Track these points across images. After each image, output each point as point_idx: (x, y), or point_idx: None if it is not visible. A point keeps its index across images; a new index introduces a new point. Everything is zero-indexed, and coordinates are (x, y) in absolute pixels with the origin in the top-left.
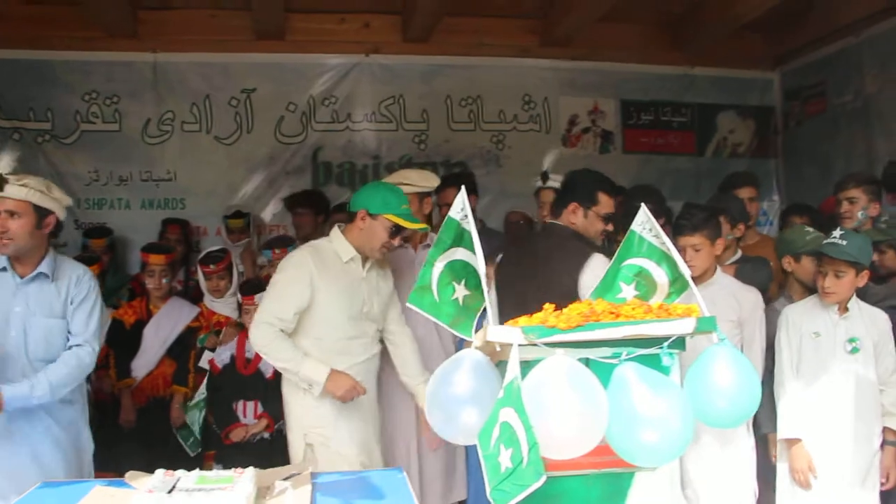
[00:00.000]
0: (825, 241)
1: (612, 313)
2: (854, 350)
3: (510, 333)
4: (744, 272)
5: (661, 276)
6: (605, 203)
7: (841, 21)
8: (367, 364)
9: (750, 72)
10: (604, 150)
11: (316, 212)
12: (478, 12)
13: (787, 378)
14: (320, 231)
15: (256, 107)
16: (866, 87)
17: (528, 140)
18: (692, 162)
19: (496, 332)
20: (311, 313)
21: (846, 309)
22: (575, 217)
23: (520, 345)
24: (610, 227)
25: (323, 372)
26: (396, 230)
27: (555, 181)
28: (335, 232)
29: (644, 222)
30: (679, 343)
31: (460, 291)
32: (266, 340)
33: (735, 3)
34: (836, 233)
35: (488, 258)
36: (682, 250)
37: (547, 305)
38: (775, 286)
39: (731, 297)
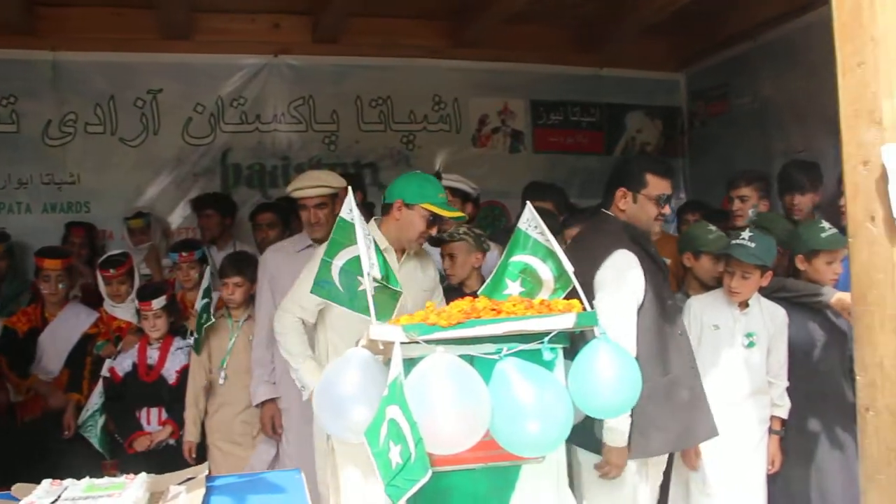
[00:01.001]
0: (734, 243)
1: (493, 310)
2: (750, 344)
3: (392, 332)
4: None
5: (545, 272)
6: (656, 184)
7: (740, 26)
8: None
9: (657, 73)
10: (514, 149)
11: (222, 214)
12: (388, 13)
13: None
14: (228, 233)
15: (163, 108)
16: (763, 90)
17: (438, 140)
18: (601, 161)
19: (378, 330)
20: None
21: (747, 305)
22: (624, 203)
23: (402, 343)
24: (667, 211)
25: (316, 379)
26: (434, 220)
27: (449, 180)
28: (371, 224)
29: (530, 220)
30: (562, 338)
31: (369, 285)
32: (282, 328)
33: (642, 5)
34: (745, 234)
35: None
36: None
37: (429, 303)
38: (674, 282)
39: None
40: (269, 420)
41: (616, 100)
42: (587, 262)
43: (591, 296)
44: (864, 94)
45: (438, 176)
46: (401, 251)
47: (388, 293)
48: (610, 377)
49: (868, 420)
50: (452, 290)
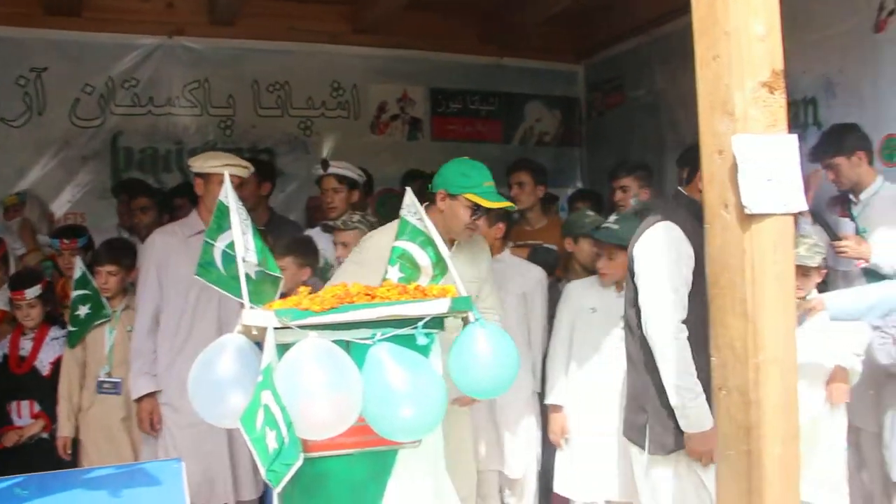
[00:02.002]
0: (602, 226)
1: (367, 295)
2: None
3: (264, 317)
4: (535, 256)
5: (423, 258)
6: None
7: (636, 20)
8: None
9: (557, 64)
10: (412, 137)
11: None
12: None
13: (558, 349)
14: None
15: (49, 87)
16: (657, 83)
17: (336, 126)
18: (500, 150)
19: (251, 315)
20: None
21: (622, 287)
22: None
23: (275, 328)
24: None
25: None
26: (479, 210)
27: (336, 167)
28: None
29: (409, 206)
30: (437, 323)
31: (250, 269)
32: None
33: None
34: (612, 217)
35: None
36: None
37: (302, 288)
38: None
39: (517, 274)
40: (148, 416)
41: (515, 89)
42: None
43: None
44: (718, 87)
45: (325, 163)
46: (451, 241)
47: (268, 279)
48: (485, 359)
49: (721, 399)
50: None
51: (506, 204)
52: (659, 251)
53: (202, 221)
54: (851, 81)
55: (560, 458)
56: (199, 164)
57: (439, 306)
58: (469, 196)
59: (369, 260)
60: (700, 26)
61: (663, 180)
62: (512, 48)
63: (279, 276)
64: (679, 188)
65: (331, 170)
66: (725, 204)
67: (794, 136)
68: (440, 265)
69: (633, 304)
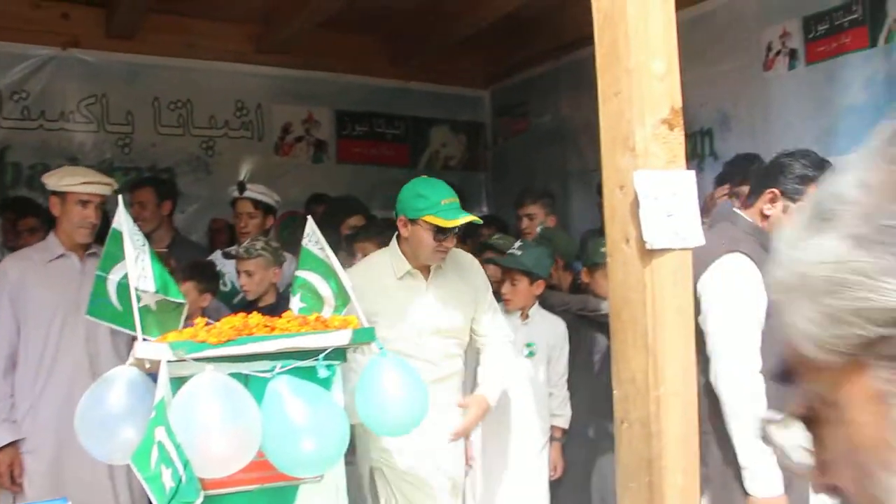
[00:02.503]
0: (508, 253)
1: (266, 326)
2: (530, 354)
3: (158, 349)
4: None
5: (325, 289)
6: None
7: (542, 47)
8: (438, 385)
9: (463, 89)
10: (317, 159)
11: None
12: (191, 13)
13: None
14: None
15: None
16: (562, 110)
17: (239, 147)
18: (405, 174)
19: (143, 348)
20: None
21: (527, 315)
22: (772, 208)
23: (170, 361)
24: None
25: None
26: (441, 231)
27: (253, 192)
28: (392, 243)
29: (310, 235)
30: (338, 354)
31: (148, 298)
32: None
33: (449, 21)
34: (516, 244)
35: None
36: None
37: (198, 319)
38: None
39: None
40: (7, 470)
41: (422, 113)
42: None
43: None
44: (620, 122)
45: (242, 186)
46: (426, 269)
47: (171, 307)
48: (392, 396)
49: (623, 432)
50: (248, 306)
51: (469, 218)
52: (729, 289)
53: (61, 244)
54: (744, 115)
55: (469, 484)
56: (55, 181)
57: (340, 338)
58: (428, 218)
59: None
60: (603, 63)
61: (568, 207)
62: (419, 72)
63: (182, 301)
64: (736, 210)
65: (247, 193)
66: (627, 238)
67: (692, 173)
68: (342, 296)
69: (700, 349)
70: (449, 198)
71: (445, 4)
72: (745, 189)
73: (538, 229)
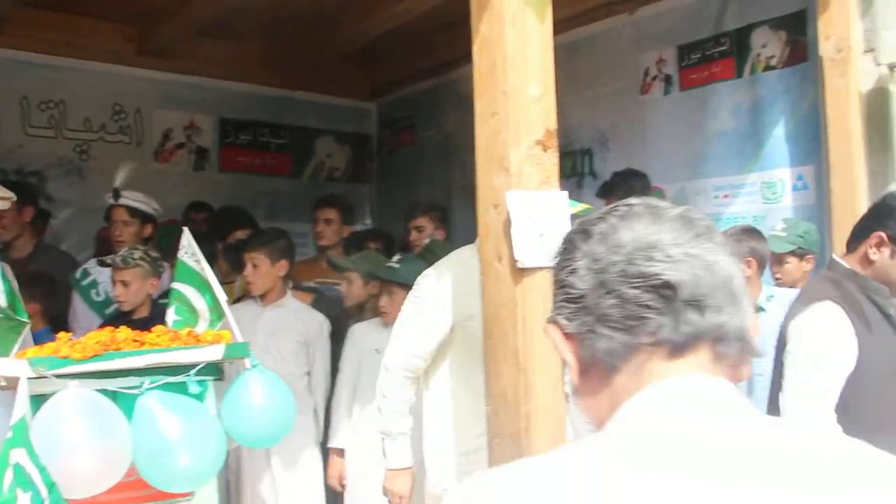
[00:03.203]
0: (386, 265)
1: (135, 341)
2: None
3: (16, 366)
4: (318, 303)
5: (199, 301)
6: None
7: (430, 62)
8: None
9: (349, 100)
10: (198, 167)
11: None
12: (66, 8)
13: (342, 393)
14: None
15: None
16: (447, 124)
17: (116, 152)
18: (289, 184)
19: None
20: (457, 348)
21: None
22: (877, 253)
23: (30, 378)
24: None
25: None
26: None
27: (129, 199)
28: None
29: (186, 247)
30: (211, 370)
31: None
32: (390, 390)
33: (333, 33)
34: (396, 257)
35: None
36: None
37: (62, 334)
38: None
39: (297, 320)
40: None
41: (307, 123)
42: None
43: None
44: (496, 143)
45: (117, 193)
46: None
47: (11, 324)
48: (260, 408)
49: (494, 447)
50: (121, 317)
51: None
52: (813, 338)
53: None
54: (622, 136)
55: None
56: None
57: (213, 353)
58: None
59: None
60: (481, 85)
61: (451, 221)
62: (305, 82)
63: (24, 321)
64: (834, 257)
65: (122, 200)
66: (499, 257)
67: (565, 193)
68: (217, 310)
69: (780, 387)
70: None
71: (328, 16)
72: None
73: (426, 241)
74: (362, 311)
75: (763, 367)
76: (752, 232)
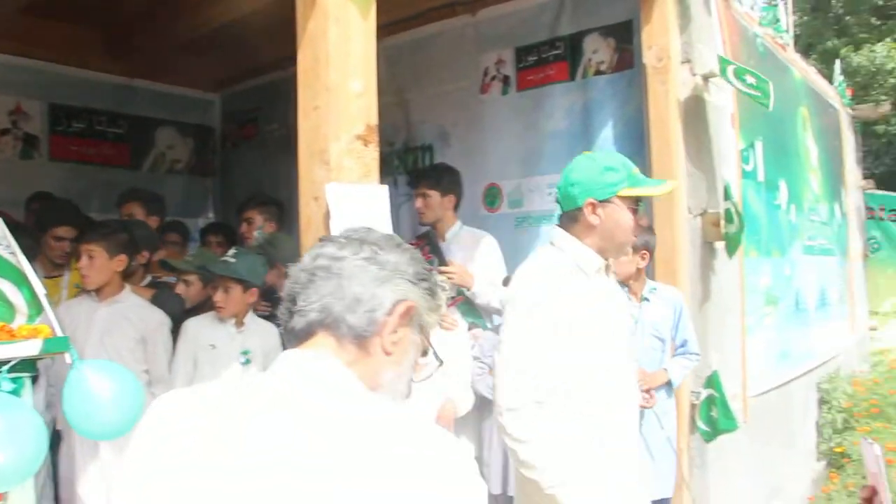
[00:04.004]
0: (221, 260)
1: None
2: (247, 362)
3: None
4: (157, 299)
5: (16, 296)
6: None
7: (273, 55)
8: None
9: (192, 91)
10: (26, 155)
11: None
12: None
13: (176, 387)
14: None
15: None
16: (290, 119)
17: None
18: (127, 175)
19: None
20: (569, 372)
21: (243, 323)
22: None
23: None
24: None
25: None
26: (636, 205)
27: None
28: (564, 238)
29: (1, 239)
30: (27, 366)
31: None
32: (526, 430)
33: (178, 19)
34: (231, 252)
35: None
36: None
37: None
38: None
39: (135, 316)
40: None
41: (147, 113)
42: None
43: None
44: (317, 137)
45: None
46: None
47: None
48: (101, 401)
49: None
50: None
51: (672, 185)
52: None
53: None
54: (462, 134)
55: None
56: None
57: (28, 348)
58: (627, 191)
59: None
60: (304, 79)
61: (293, 216)
62: (145, 70)
63: None
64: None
65: None
66: None
67: (385, 187)
68: (35, 304)
69: None
70: (634, 166)
71: (171, 1)
72: (433, 195)
73: (256, 234)
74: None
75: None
76: (646, 227)
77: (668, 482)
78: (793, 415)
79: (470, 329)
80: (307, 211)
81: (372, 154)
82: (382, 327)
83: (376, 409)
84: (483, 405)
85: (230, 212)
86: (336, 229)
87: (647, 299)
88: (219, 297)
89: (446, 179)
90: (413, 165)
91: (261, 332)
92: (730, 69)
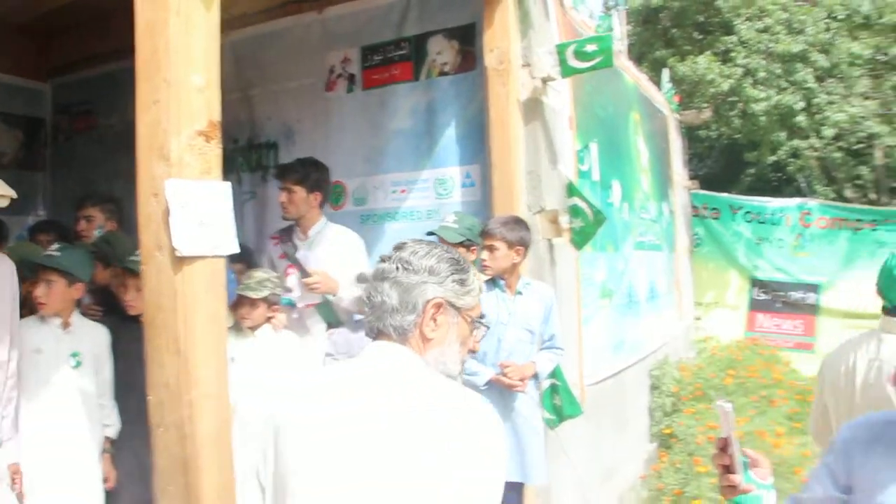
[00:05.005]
0: (45, 253)
1: None
2: (77, 364)
3: None
4: None
5: None
6: None
7: (109, 44)
8: None
9: (19, 79)
10: None
11: None
12: None
13: None
14: None
15: None
16: (129, 113)
17: None
18: None
19: None
20: None
21: (69, 323)
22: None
23: None
24: None
25: None
26: None
27: None
28: None
29: None
30: None
31: None
32: None
33: (2, 2)
34: (55, 245)
35: None
36: None
37: None
38: None
39: None
40: None
41: None
42: None
43: None
44: (157, 132)
45: None
46: None
47: None
48: None
49: (159, 436)
50: None
51: None
52: None
53: None
54: (308, 131)
55: None
56: None
57: None
58: None
59: None
60: (143, 72)
61: (132, 212)
62: None
63: None
64: None
65: None
66: (160, 246)
67: (228, 184)
68: None
69: None
70: None
71: None
72: (298, 191)
73: (95, 232)
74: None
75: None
76: (521, 222)
77: (541, 469)
78: (626, 401)
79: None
80: (146, 208)
81: (214, 150)
82: (420, 323)
83: (428, 377)
84: None
85: (64, 209)
86: (176, 226)
87: (520, 293)
88: (40, 291)
89: (314, 176)
90: (257, 163)
91: (91, 333)
92: (569, 50)
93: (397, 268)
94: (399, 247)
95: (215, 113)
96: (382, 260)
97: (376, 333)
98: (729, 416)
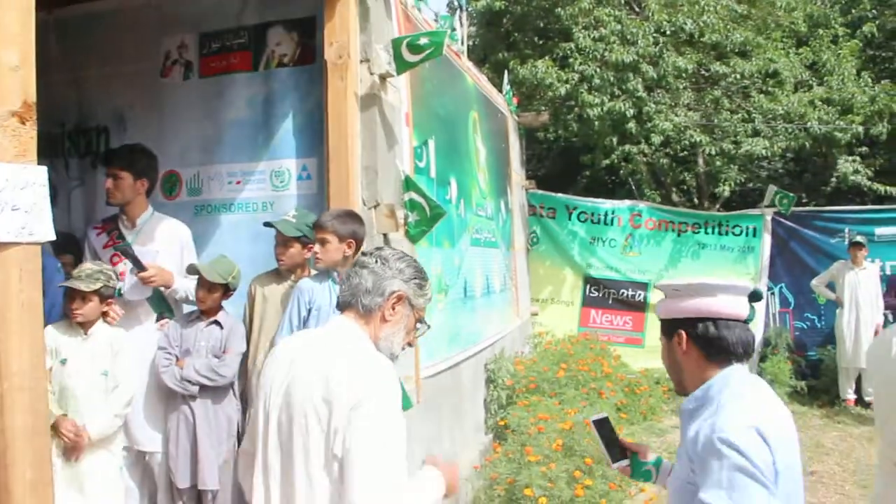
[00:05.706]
0: None
1: None
2: None
3: None
4: None
5: None
6: None
7: None
8: None
9: None
10: None
11: None
12: None
13: None
14: None
15: None
16: None
17: None
18: None
19: None
20: None
21: None
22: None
23: None
24: None
25: None
26: None
27: None
28: None
29: None
30: None
31: None
32: None
33: None
34: None
35: None
36: None
37: None
38: None
39: None
40: None
41: None
42: None
43: None
44: None
45: None
46: None
47: None
48: None
49: None
50: None
51: None
52: None
53: None
54: (140, 117)
55: None
56: None
57: None
58: None
59: None
60: None
61: None
62: None
63: None
64: None
65: None
66: None
67: (44, 168)
68: None
69: None
70: None
71: None
72: (125, 177)
73: None
74: None
75: None
76: (354, 216)
77: None
78: (463, 393)
79: (159, 320)
80: None
81: (30, 132)
82: (383, 306)
83: (363, 346)
84: (169, 397)
85: None
86: None
87: None
88: None
89: (141, 162)
90: (86, 148)
91: None
92: (403, 45)
93: (376, 261)
94: (381, 248)
95: (31, 93)
96: (364, 254)
97: (345, 307)
98: (604, 423)
